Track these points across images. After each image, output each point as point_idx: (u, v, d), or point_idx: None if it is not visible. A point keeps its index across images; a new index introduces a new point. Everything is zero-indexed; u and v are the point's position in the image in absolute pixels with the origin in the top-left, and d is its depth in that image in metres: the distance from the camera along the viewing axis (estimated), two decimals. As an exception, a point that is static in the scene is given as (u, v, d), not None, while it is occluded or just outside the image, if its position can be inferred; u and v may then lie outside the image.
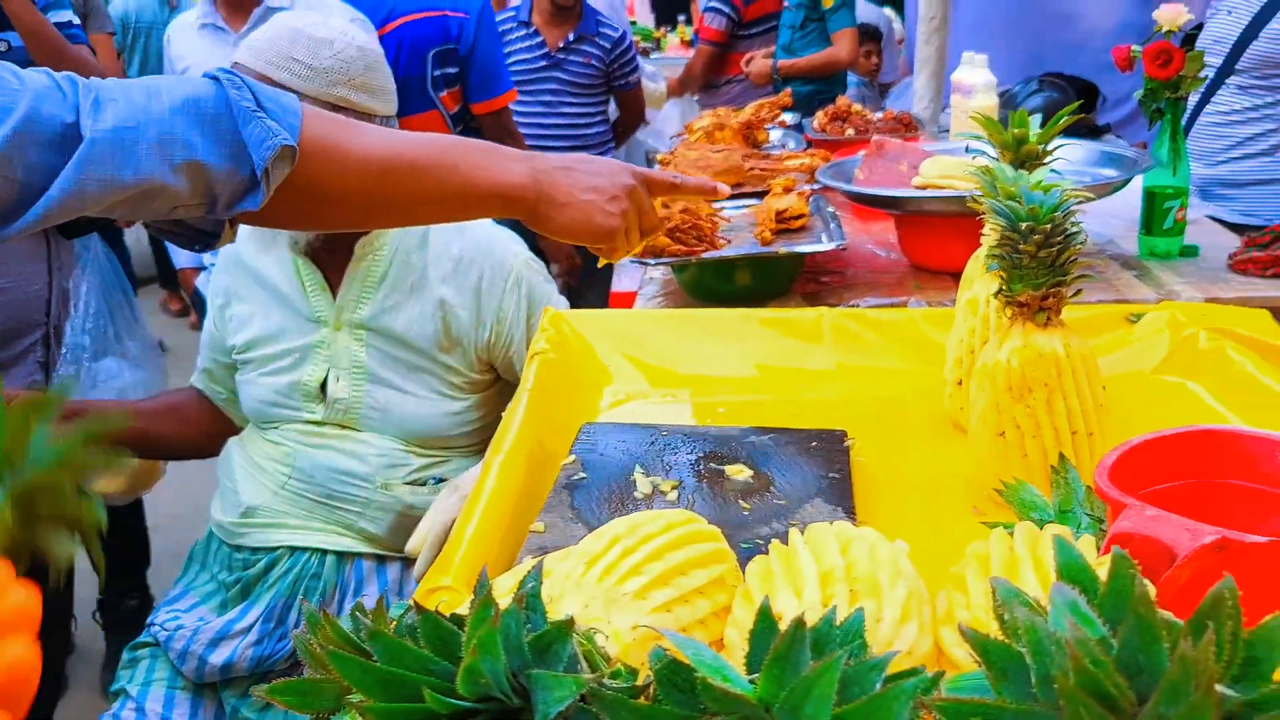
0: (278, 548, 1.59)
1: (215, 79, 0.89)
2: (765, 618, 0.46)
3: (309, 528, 1.60)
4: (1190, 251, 2.01)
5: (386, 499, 1.59)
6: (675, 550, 0.62)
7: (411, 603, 0.52)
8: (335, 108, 1.52)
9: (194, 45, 2.49)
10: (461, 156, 1.00)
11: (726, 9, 4.43)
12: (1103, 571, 0.57)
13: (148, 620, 1.64)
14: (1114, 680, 0.40)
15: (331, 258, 1.61)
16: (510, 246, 1.64)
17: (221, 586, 1.63)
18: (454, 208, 1.03)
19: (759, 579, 0.60)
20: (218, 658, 1.55)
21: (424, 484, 1.61)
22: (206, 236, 0.98)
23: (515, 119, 3.44)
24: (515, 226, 1.50)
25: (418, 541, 1.41)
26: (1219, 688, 0.40)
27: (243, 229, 1.69)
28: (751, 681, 0.45)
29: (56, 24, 2.35)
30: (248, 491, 1.62)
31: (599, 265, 1.19)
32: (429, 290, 1.59)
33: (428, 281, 1.59)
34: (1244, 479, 0.80)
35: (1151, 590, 0.58)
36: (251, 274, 1.67)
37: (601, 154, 3.64)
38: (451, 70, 2.62)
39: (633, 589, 0.59)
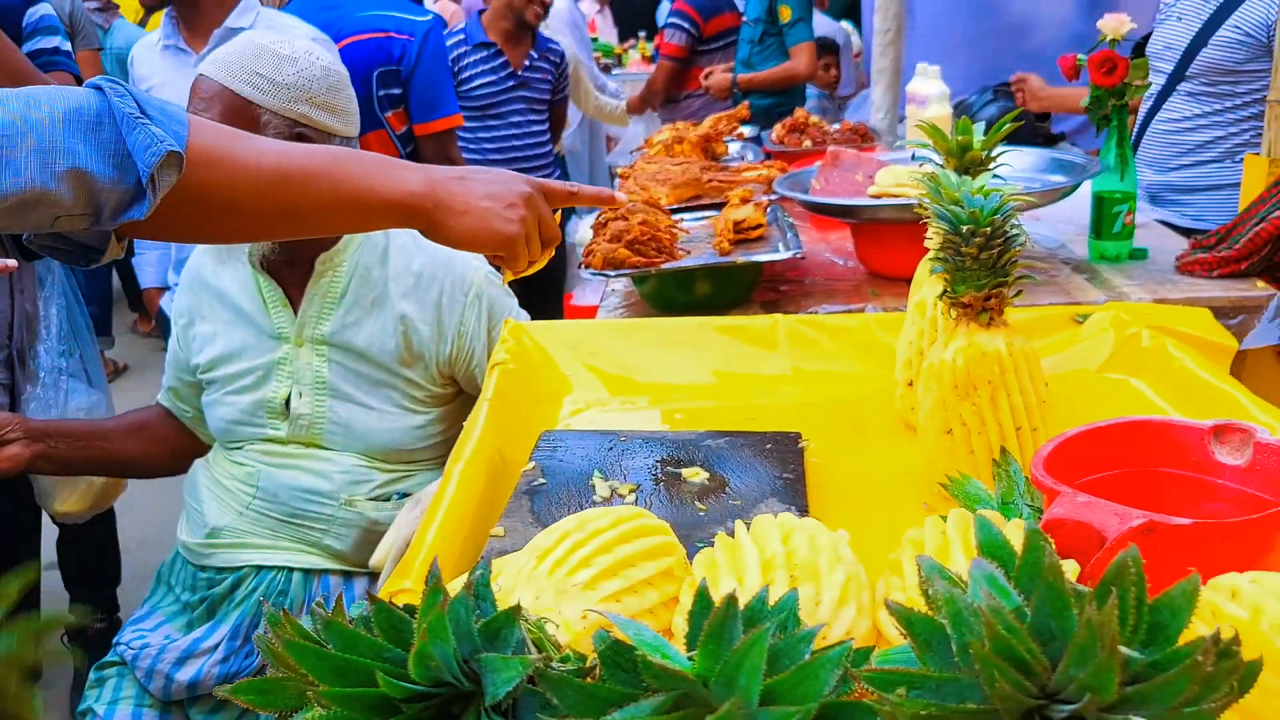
0: (243, 567, 1.60)
1: (98, 88, 0.88)
2: (703, 598, 0.48)
3: (275, 546, 1.61)
4: (1139, 254, 2.06)
5: (351, 515, 1.60)
6: (624, 544, 0.64)
7: (366, 595, 0.54)
8: (296, 124, 1.54)
9: (156, 66, 2.50)
10: (356, 165, 1.00)
11: (686, 25, 4.49)
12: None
13: (114, 640, 1.64)
14: (1027, 645, 0.43)
15: (292, 273, 1.62)
16: (470, 261, 1.66)
17: (186, 606, 1.63)
18: (351, 217, 1.03)
19: (704, 569, 0.63)
20: (184, 675, 1.55)
21: (388, 499, 1.62)
22: (91, 252, 0.94)
23: (485, 144, 3.46)
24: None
25: (381, 555, 1.42)
26: (1123, 649, 0.43)
27: (202, 248, 1.70)
28: (690, 659, 0.47)
29: (41, 49, 2.34)
30: (213, 512, 1.63)
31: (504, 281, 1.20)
32: (390, 305, 1.61)
33: (388, 297, 1.61)
34: (1175, 467, 0.84)
35: (1072, 567, 0.61)
36: (213, 292, 1.68)
37: (549, 173, 3.66)
38: (395, 91, 2.64)
39: (582, 580, 0.61)
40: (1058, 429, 1.07)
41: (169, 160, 0.87)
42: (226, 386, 1.66)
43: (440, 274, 1.63)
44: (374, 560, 1.44)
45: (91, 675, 1.62)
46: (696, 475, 1.10)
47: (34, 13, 2.42)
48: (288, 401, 1.62)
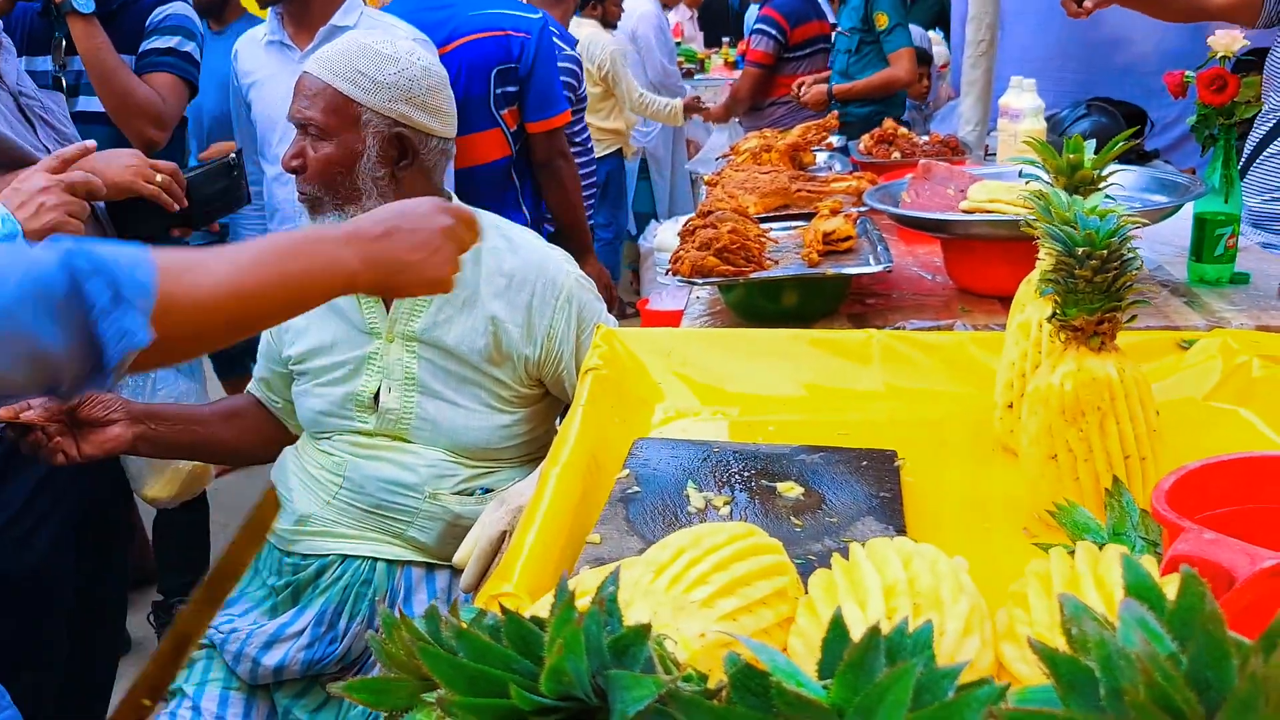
0: (329, 555, 1.63)
1: (63, 259, 0.84)
2: (838, 626, 0.48)
3: (360, 536, 1.63)
4: (1241, 279, 2.00)
5: (435, 509, 1.62)
6: (739, 561, 0.64)
7: (497, 604, 0.54)
8: (396, 123, 1.56)
9: (260, 61, 2.55)
10: (296, 261, 1.03)
11: (773, 31, 4.46)
12: (1169, 590, 0.58)
13: None
14: (1183, 694, 0.42)
15: None
16: (562, 265, 1.67)
17: (272, 591, 1.66)
18: (307, 306, 1.08)
19: (822, 590, 0.62)
20: (270, 660, 1.58)
21: (471, 494, 1.63)
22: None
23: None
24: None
25: (465, 552, 1.43)
26: (1287, 704, 0.41)
27: None
28: (824, 688, 0.46)
29: (152, 49, 2.39)
30: (301, 500, 1.65)
31: None
32: (481, 306, 1.62)
33: (480, 297, 1.62)
34: (1301, 506, 0.81)
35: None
36: None
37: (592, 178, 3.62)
38: (511, 89, 2.66)
39: (700, 597, 0.61)
40: (1167, 458, 1.05)
41: (137, 350, 0.86)
42: (317, 379, 1.69)
43: (532, 277, 1.64)
44: (458, 556, 1.45)
45: None
46: (791, 490, 1.09)
47: (161, 11, 2.48)
48: (376, 396, 1.64)
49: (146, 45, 2.44)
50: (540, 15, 2.77)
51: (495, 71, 2.63)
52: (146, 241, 2.27)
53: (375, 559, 1.62)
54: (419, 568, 1.63)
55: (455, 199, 1.70)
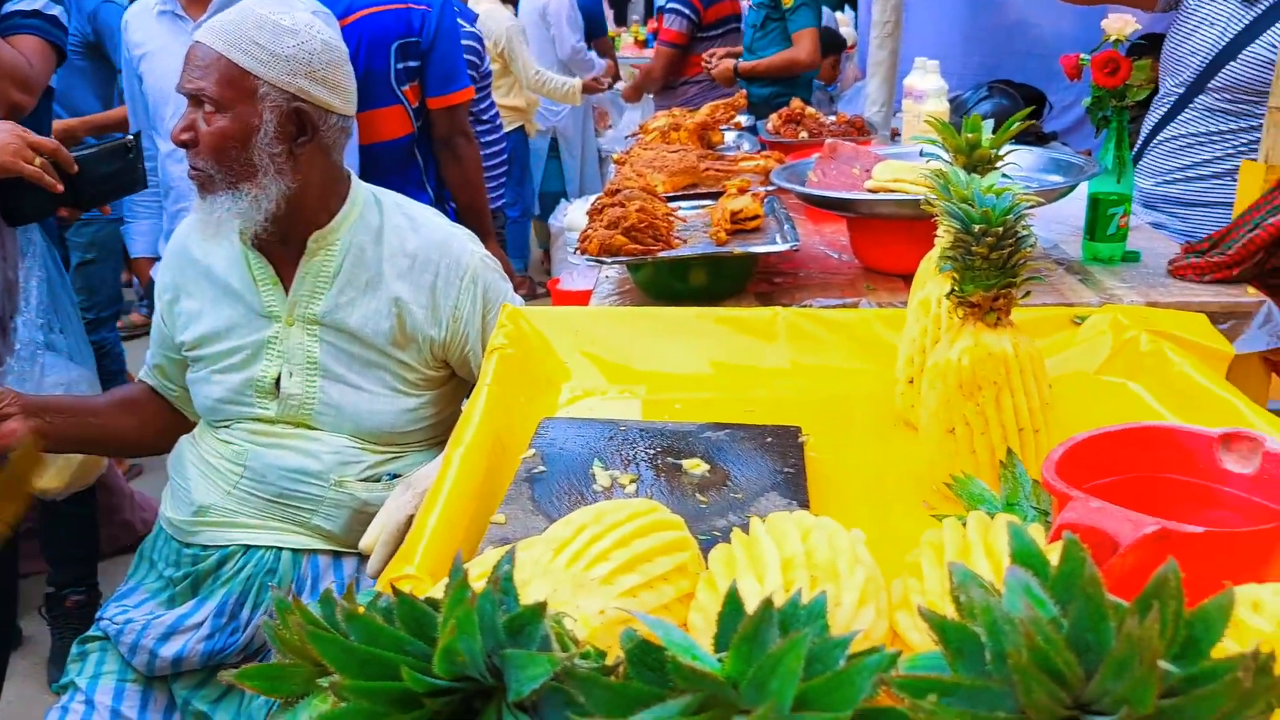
0: (230, 545, 1.59)
1: None
2: (733, 600, 0.48)
3: (264, 526, 1.59)
4: (1132, 257, 2.07)
5: (340, 496, 1.59)
6: (640, 538, 0.64)
7: (390, 586, 0.53)
8: (294, 98, 1.52)
9: (152, 31, 2.46)
10: None
11: (687, 10, 4.45)
12: (1053, 556, 0.60)
13: (97, 614, 1.63)
14: (1064, 657, 0.43)
15: (284, 251, 1.60)
16: (467, 245, 1.64)
17: (170, 583, 1.62)
18: None
19: (722, 565, 0.62)
20: (168, 651, 1.54)
21: (378, 480, 1.61)
22: None
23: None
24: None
25: (371, 538, 1.41)
26: (1161, 663, 0.43)
27: (189, 221, 1.67)
28: (719, 660, 0.46)
29: (14, 11, 2.29)
30: (200, 490, 1.61)
31: None
32: (384, 287, 1.59)
33: (383, 278, 1.59)
34: (1181, 473, 0.84)
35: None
36: (199, 269, 1.65)
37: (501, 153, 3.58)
38: (413, 64, 2.60)
39: (600, 574, 0.60)
40: (1059, 431, 1.08)
41: None
42: (213, 365, 1.64)
43: (435, 256, 1.61)
44: (364, 543, 1.42)
45: (74, 649, 1.61)
46: (697, 467, 1.09)
47: None
48: (277, 381, 1.60)
49: (10, 7, 2.33)
50: None
51: (396, 45, 2.57)
52: (32, 220, 2.18)
53: (280, 548, 1.58)
54: (325, 556, 1.60)
55: (355, 178, 1.66)
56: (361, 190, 1.65)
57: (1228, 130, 2.43)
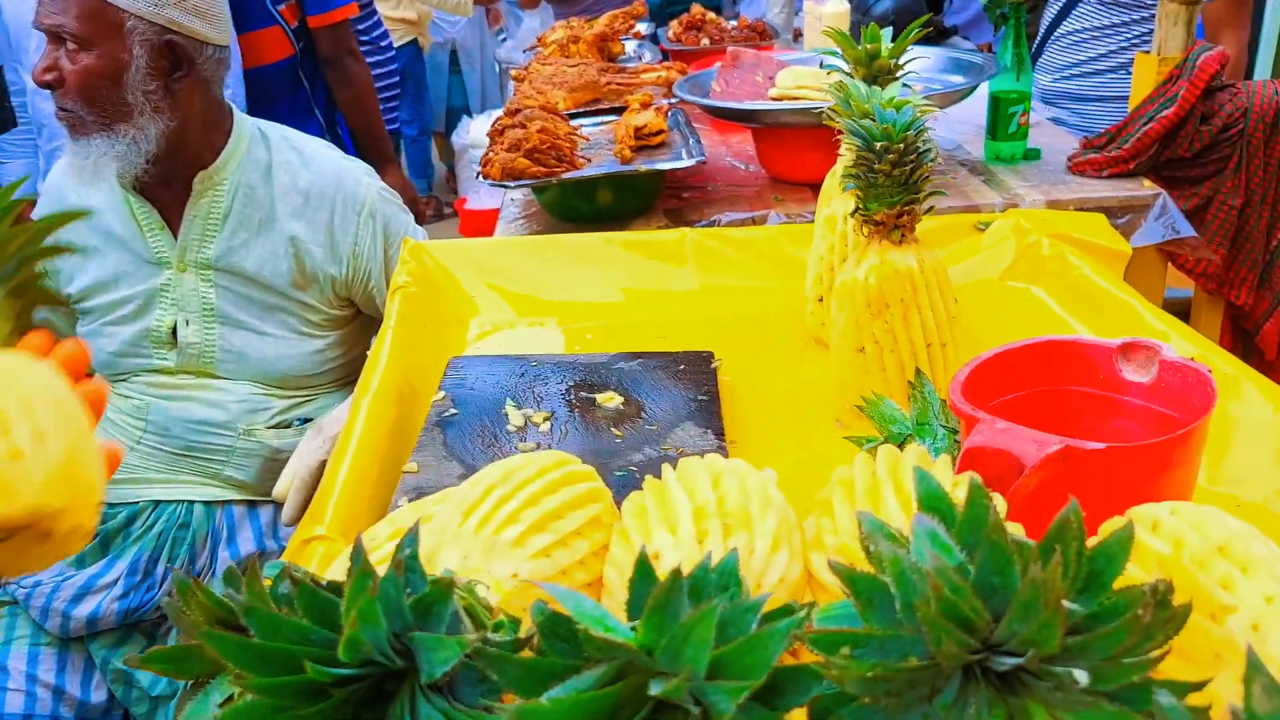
0: (139, 501, 1.54)
1: None
2: (643, 566, 0.47)
3: (173, 480, 1.55)
4: (1033, 155, 2.09)
5: (250, 445, 1.55)
6: (550, 495, 0.63)
7: (285, 567, 0.52)
8: (165, 30, 1.43)
9: None
10: None
11: None
12: (959, 492, 0.60)
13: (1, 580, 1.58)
14: (971, 604, 0.43)
15: (168, 194, 1.53)
16: (361, 178, 1.59)
17: None
18: None
19: (634, 517, 0.62)
20: (82, 611, 1.50)
21: (289, 426, 1.57)
22: None
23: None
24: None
25: (284, 485, 1.38)
26: (1065, 603, 0.43)
27: (63, 164, 1.58)
28: (632, 629, 0.46)
29: None
30: None
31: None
32: (278, 227, 1.53)
33: (276, 217, 1.53)
34: (1085, 385, 0.85)
35: (1002, 505, 0.62)
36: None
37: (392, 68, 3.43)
38: None
39: (511, 537, 0.59)
40: (966, 340, 1.09)
41: None
42: (104, 316, 1.57)
43: (330, 192, 1.56)
44: (277, 491, 1.40)
45: None
46: (611, 400, 1.08)
47: None
48: (174, 330, 1.54)
49: None
50: None
51: None
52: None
53: (191, 501, 1.55)
54: (240, 506, 1.57)
55: (238, 111, 1.59)
56: (246, 125, 1.58)
57: (1120, 23, 2.46)
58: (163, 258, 1.54)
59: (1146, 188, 1.93)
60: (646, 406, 1.07)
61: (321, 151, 1.61)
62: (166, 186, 1.53)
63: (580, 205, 1.84)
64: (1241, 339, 2.11)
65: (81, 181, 1.52)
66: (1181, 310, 2.15)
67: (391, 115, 3.47)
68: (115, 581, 1.51)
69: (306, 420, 1.57)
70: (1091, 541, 0.56)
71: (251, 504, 1.57)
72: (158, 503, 1.54)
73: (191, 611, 0.59)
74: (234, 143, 1.55)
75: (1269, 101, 1.90)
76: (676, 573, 0.43)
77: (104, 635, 1.54)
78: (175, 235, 1.53)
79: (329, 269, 1.55)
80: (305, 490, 1.34)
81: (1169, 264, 2.03)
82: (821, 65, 1.38)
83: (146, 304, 1.54)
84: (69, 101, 1.43)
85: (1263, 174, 1.93)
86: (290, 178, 1.54)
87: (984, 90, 2.06)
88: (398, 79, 3.44)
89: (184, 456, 1.54)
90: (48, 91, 1.45)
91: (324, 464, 1.28)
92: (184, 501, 1.54)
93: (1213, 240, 1.96)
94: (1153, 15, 2.42)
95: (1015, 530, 0.59)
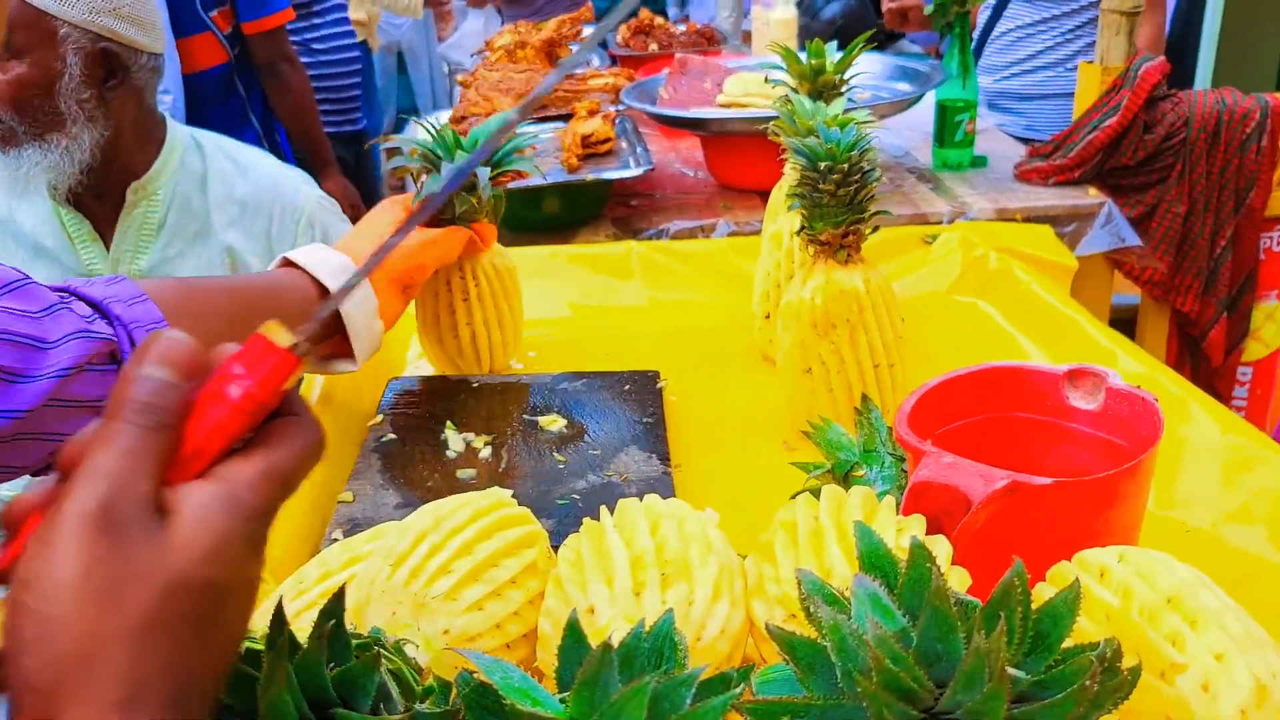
0: None
1: None
2: (573, 631, 0.45)
3: None
4: (980, 162, 2.09)
5: None
6: (484, 541, 0.60)
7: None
8: (100, 38, 1.39)
9: None
10: None
11: None
12: (905, 539, 0.58)
13: None
14: (913, 674, 0.41)
15: (100, 205, 1.49)
16: (300, 187, 1.55)
17: None
18: None
19: (570, 567, 0.59)
20: None
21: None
22: None
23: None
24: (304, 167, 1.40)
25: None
26: (1011, 671, 0.42)
27: None
28: (562, 700, 0.44)
29: None
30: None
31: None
32: (214, 237, 1.49)
33: (211, 227, 1.49)
34: (1032, 412, 0.84)
35: (947, 551, 0.60)
36: (5, 228, 1.52)
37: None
38: None
39: (442, 590, 0.57)
40: (913, 356, 1.08)
41: None
42: None
43: (267, 201, 1.52)
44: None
45: None
46: (554, 423, 1.06)
47: None
48: None
49: None
50: None
51: None
52: None
53: None
54: None
55: (170, 120, 1.54)
56: (180, 134, 1.53)
57: (1050, 18, 2.51)
58: (94, 269, 1.49)
59: (1092, 196, 1.94)
60: (590, 430, 1.05)
61: (258, 161, 1.56)
62: (98, 198, 1.48)
63: (527, 214, 1.82)
64: (1189, 345, 2.14)
65: (12, 194, 1.47)
66: (1129, 317, 2.17)
67: (356, 115, 3.42)
68: None
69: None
70: (1038, 594, 0.54)
71: None
72: None
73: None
74: (167, 152, 1.50)
75: (1210, 111, 1.92)
76: (607, 646, 0.41)
77: None
78: (107, 247, 1.49)
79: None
80: None
81: (1115, 271, 2.04)
82: (767, 80, 1.37)
83: None
84: (0, 112, 1.38)
85: (1205, 182, 1.95)
86: (226, 187, 1.50)
87: (931, 97, 2.06)
88: (359, 76, 3.39)
89: None
90: None
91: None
92: None
93: (1158, 248, 1.97)
94: (1078, 8, 2.46)
95: (960, 578, 0.58)
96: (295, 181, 1.56)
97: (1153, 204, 1.96)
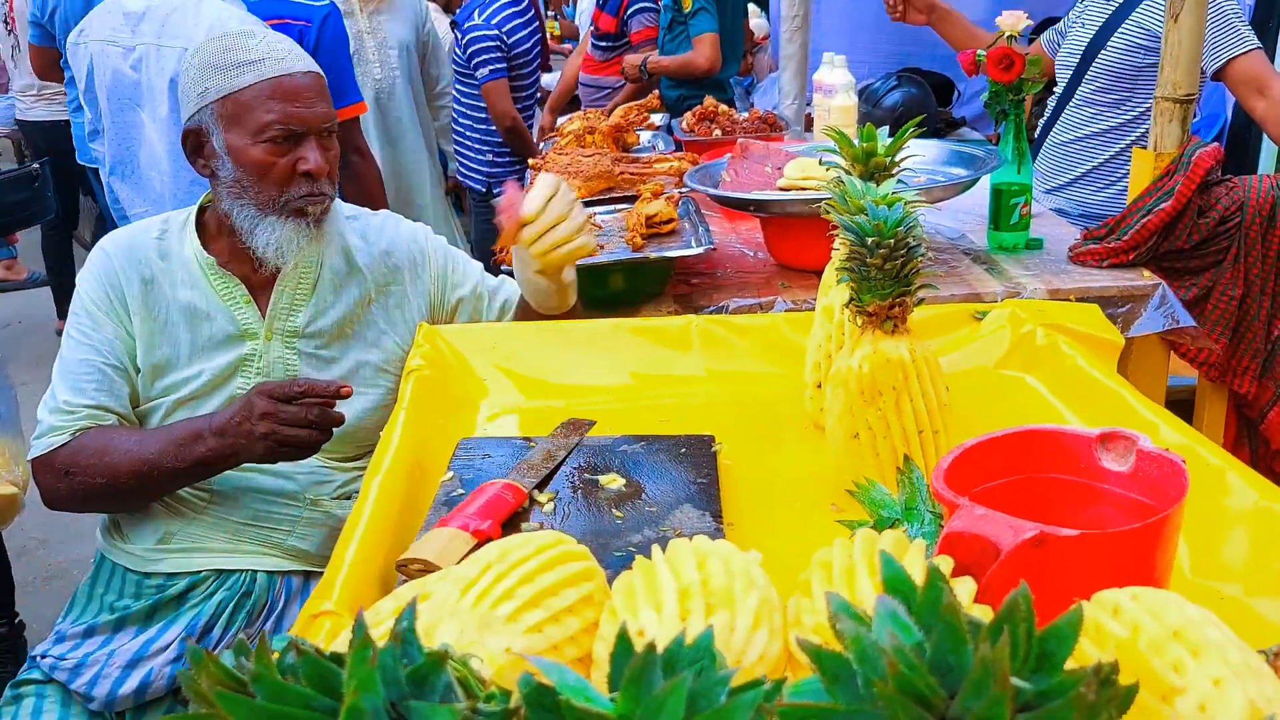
0: (201, 571, 1.55)
1: None
2: (623, 641, 0.50)
3: (236, 550, 1.56)
4: (1035, 244, 2.14)
5: (316, 515, 1.57)
6: (545, 572, 0.66)
7: (291, 639, 0.55)
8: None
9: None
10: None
11: (655, 5, 4.33)
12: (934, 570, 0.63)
13: (32, 654, 1.58)
14: (927, 681, 0.46)
15: (254, 273, 1.57)
16: (418, 229, 1.73)
17: (126, 613, 1.54)
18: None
19: (623, 596, 0.65)
20: (133, 681, 1.50)
21: (350, 497, 1.59)
22: None
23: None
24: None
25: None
26: (1015, 680, 0.46)
27: (152, 230, 1.63)
28: (612, 699, 0.49)
29: None
30: (163, 516, 1.56)
31: None
32: (358, 286, 1.62)
33: (356, 278, 1.62)
34: (1065, 473, 0.88)
35: (969, 588, 0.65)
36: (156, 290, 1.57)
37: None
38: None
39: (505, 613, 0.63)
40: (958, 427, 1.12)
41: None
42: (178, 393, 1.56)
43: (401, 246, 1.68)
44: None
45: (7, 693, 1.56)
46: (613, 482, 1.12)
47: None
48: None
49: None
50: (327, 1, 2.61)
51: None
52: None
53: (255, 571, 1.56)
54: (297, 576, 1.58)
55: None
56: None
57: (1108, 116, 2.52)
58: (249, 329, 1.57)
59: (1146, 278, 1.97)
60: (647, 488, 1.11)
61: (386, 216, 1.74)
62: (255, 268, 1.57)
63: (593, 290, 1.90)
64: (1247, 427, 2.13)
65: (161, 255, 1.58)
66: (1186, 399, 2.18)
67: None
68: (168, 646, 1.51)
69: None
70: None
71: (308, 575, 1.59)
72: (220, 572, 1.56)
73: (202, 680, 0.62)
74: None
75: (1265, 196, 1.95)
76: (651, 646, 0.46)
77: (151, 706, 1.53)
78: (261, 307, 1.58)
79: (412, 316, 1.66)
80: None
81: (1172, 353, 2.06)
82: (821, 163, 1.44)
83: (229, 375, 1.57)
84: (327, 186, 1.56)
85: (1261, 265, 1.97)
86: (365, 242, 1.65)
87: (986, 182, 2.12)
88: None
89: (249, 526, 1.56)
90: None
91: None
92: (248, 571, 1.56)
93: (1213, 330, 1.99)
94: (1136, 108, 2.48)
95: (984, 613, 0.62)
96: (418, 229, 1.74)
97: (1208, 287, 1.99)
